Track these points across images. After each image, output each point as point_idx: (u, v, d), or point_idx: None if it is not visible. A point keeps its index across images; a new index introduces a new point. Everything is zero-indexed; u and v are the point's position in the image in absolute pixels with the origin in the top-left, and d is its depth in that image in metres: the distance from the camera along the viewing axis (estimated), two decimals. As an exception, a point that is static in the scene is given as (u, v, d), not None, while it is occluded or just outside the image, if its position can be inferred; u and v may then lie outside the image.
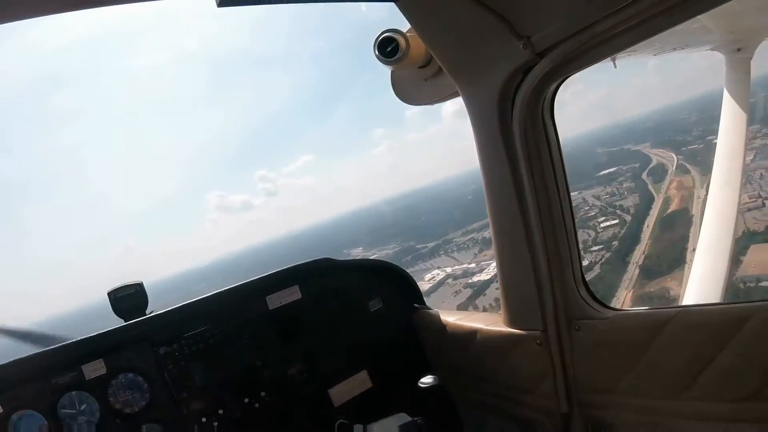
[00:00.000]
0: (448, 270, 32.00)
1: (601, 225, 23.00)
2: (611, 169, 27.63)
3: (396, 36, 1.91)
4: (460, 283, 28.71)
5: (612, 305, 1.97)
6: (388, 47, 1.92)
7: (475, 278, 28.01)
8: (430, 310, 2.53)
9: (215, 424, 2.10)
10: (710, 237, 5.12)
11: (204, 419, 2.09)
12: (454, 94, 2.05)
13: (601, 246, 21.49)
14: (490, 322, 2.19)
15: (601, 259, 20.46)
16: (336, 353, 2.36)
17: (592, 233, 22.76)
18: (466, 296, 26.80)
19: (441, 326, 2.37)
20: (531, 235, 1.88)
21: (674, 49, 4.59)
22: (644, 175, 25.54)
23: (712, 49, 5.43)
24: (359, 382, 2.36)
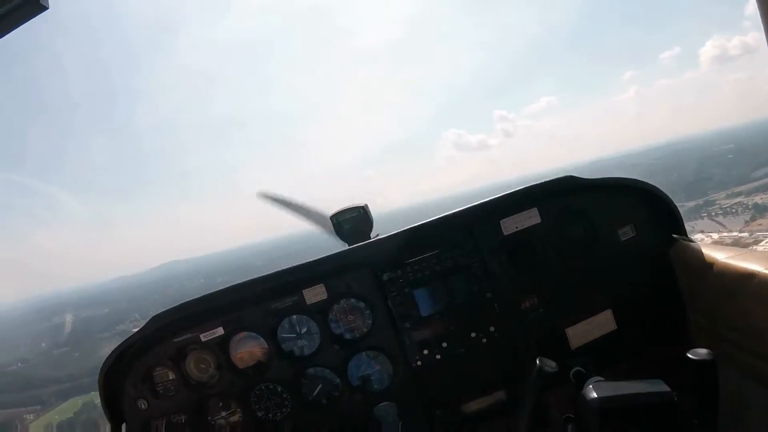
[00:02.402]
0: (715, 236, 27.51)
1: None
2: None
3: None
4: (734, 254, 28.23)
5: None
6: None
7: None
8: (692, 243, 2.06)
9: (438, 357, 2.01)
10: None
11: (426, 351, 2.01)
12: None
13: None
14: None
15: None
16: (577, 287, 2.07)
17: None
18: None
19: (705, 264, 1.90)
20: None
21: None
22: None
23: None
24: (602, 323, 2.06)
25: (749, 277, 1.69)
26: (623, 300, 2.07)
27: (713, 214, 34.56)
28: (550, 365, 1.48)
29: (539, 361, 1.49)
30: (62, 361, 28.49)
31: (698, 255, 1.94)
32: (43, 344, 33.21)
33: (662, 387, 1.38)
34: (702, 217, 33.78)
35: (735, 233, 29.86)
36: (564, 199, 2.09)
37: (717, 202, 36.11)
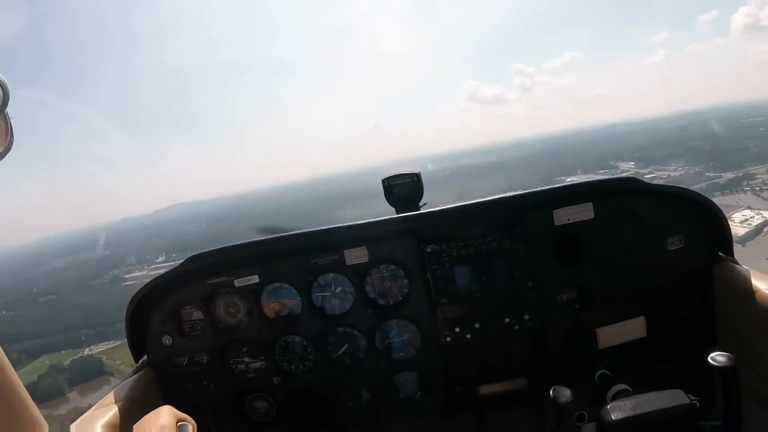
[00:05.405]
0: (766, 214, 25.55)
1: None
2: None
3: None
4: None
5: None
6: None
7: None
8: (737, 266, 1.98)
9: (468, 336, 2.00)
10: None
11: (457, 329, 2.00)
12: None
13: None
14: None
15: None
16: (616, 289, 2.04)
17: None
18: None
19: (747, 290, 1.82)
20: None
21: None
22: None
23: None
24: (633, 329, 2.06)
25: None
26: (658, 310, 2.04)
27: (757, 189, 32.78)
28: (564, 395, 1.46)
29: (553, 391, 1.47)
30: (45, 311, 26.92)
31: (741, 279, 1.88)
32: (34, 290, 31.60)
33: (683, 398, 1.39)
34: (744, 191, 32.48)
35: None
36: (621, 199, 2.05)
37: (758, 176, 34.07)
